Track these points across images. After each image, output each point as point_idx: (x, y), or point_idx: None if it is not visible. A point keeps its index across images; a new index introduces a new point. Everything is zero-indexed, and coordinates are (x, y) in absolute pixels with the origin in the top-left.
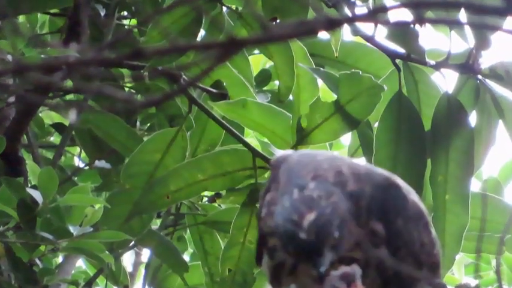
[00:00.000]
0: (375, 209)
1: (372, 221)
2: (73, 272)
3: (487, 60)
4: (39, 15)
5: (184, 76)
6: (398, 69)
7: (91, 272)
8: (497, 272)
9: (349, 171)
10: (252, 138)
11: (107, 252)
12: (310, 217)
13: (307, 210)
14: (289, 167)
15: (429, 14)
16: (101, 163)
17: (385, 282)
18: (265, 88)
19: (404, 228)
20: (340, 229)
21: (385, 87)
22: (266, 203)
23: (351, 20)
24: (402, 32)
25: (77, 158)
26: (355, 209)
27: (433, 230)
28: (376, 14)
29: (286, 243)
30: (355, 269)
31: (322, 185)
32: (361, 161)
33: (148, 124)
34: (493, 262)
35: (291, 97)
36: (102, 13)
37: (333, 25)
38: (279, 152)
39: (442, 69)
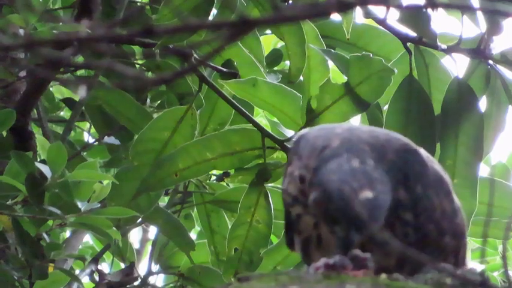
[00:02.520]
0: (398, 176)
1: (397, 190)
2: (80, 247)
3: (498, 45)
4: None
5: (195, 54)
6: (410, 53)
7: (98, 248)
8: (503, 258)
9: (375, 141)
10: (261, 117)
11: (114, 228)
12: (369, 194)
13: (367, 186)
14: (311, 139)
15: None
16: (110, 139)
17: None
18: (275, 68)
19: (424, 194)
20: (381, 219)
21: (396, 70)
22: (288, 175)
23: (363, 3)
24: (414, 16)
25: (87, 133)
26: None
27: (456, 199)
28: None
29: (336, 203)
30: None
31: (378, 167)
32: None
33: (158, 102)
34: (500, 247)
35: (301, 78)
36: None
37: (345, 7)
38: (290, 132)
39: (453, 54)
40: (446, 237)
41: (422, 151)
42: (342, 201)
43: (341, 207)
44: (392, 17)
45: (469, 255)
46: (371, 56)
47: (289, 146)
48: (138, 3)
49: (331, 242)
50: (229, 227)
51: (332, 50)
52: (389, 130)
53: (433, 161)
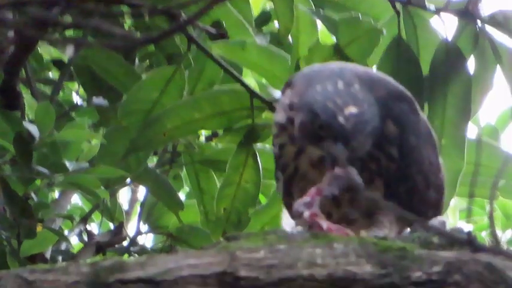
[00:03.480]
0: (387, 112)
1: (385, 123)
2: (68, 207)
3: (486, 6)
4: None
5: (183, 14)
6: (398, 14)
7: (86, 208)
8: (491, 217)
9: (367, 76)
10: (250, 78)
11: (102, 188)
12: (353, 110)
13: (352, 103)
14: (304, 73)
15: None
16: (98, 100)
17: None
18: (264, 29)
19: (416, 145)
20: (368, 136)
21: (384, 31)
22: (279, 105)
23: None
24: None
25: (75, 94)
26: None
27: (439, 155)
28: None
29: (321, 118)
30: (352, 173)
31: (363, 91)
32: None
33: (147, 62)
34: (487, 207)
35: (290, 39)
36: None
37: None
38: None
39: (442, 15)
40: (431, 190)
41: (415, 101)
42: (327, 116)
43: (326, 121)
44: None
45: (456, 214)
46: (360, 17)
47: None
48: None
49: (311, 177)
50: (218, 187)
51: (321, 11)
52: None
53: (422, 113)
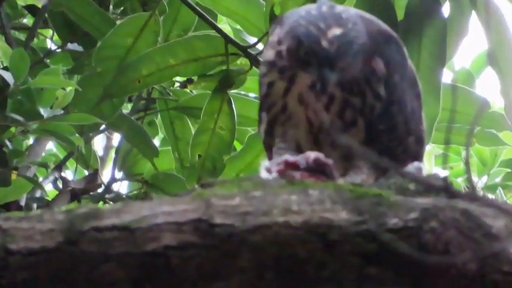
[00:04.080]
0: (378, 52)
1: (374, 59)
2: (43, 154)
3: None
4: None
5: None
6: None
7: (61, 155)
8: (467, 163)
9: (357, 14)
10: (225, 24)
11: (77, 135)
12: (337, 31)
13: (335, 24)
14: (293, 11)
15: None
16: (73, 46)
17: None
18: None
19: (400, 84)
20: (356, 55)
21: None
22: (268, 44)
23: None
24: None
25: (50, 40)
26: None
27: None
28: None
29: (304, 45)
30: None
31: (348, 12)
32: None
33: (122, 8)
34: (463, 153)
35: None
36: None
37: None
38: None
39: None
40: (411, 138)
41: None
42: (310, 41)
43: (310, 47)
44: None
45: (432, 161)
46: None
47: (252, 52)
48: None
49: (298, 118)
50: (193, 134)
51: None
52: None
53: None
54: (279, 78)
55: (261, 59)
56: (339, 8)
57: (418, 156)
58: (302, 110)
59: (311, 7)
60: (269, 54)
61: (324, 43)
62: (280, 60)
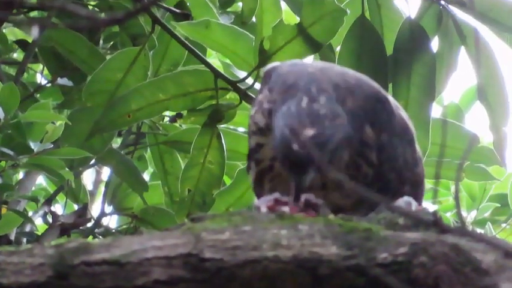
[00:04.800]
0: (365, 118)
1: (364, 129)
2: (33, 188)
3: None
4: None
5: None
6: None
7: (51, 189)
8: (456, 198)
9: (344, 83)
10: (214, 59)
11: (67, 169)
12: (310, 132)
13: (309, 124)
14: (283, 74)
15: None
16: (63, 80)
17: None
18: (228, 9)
19: (388, 143)
20: (332, 154)
21: (348, 11)
22: (257, 103)
23: None
24: None
25: (40, 74)
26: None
27: (417, 148)
28: None
29: (279, 147)
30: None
31: (330, 103)
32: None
33: (111, 42)
34: (452, 188)
35: (254, 19)
36: None
37: None
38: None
39: None
40: (406, 186)
41: (391, 99)
42: (284, 146)
43: (284, 152)
44: None
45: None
46: None
47: (241, 87)
48: None
49: (286, 177)
50: (182, 168)
51: None
52: (363, 75)
53: (400, 109)
54: (268, 143)
55: (250, 113)
56: (321, 100)
57: (416, 198)
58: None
59: (293, 100)
60: (259, 120)
61: (295, 146)
62: (268, 131)
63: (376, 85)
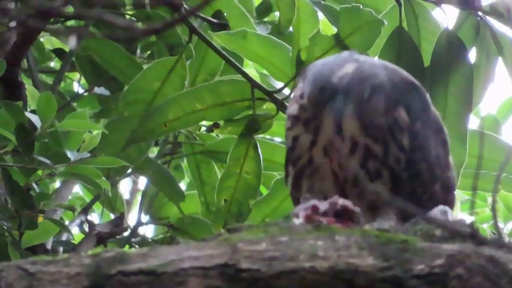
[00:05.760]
0: (401, 101)
1: (397, 108)
2: (70, 197)
3: None
4: None
5: (185, 5)
6: (399, 4)
7: (87, 198)
8: (493, 210)
9: (383, 64)
10: (251, 69)
11: (103, 178)
12: (349, 69)
13: (348, 63)
14: (320, 64)
15: None
16: (100, 90)
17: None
18: (265, 19)
19: (422, 132)
20: (372, 92)
21: (386, 22)
22: (292, 99)
23: None
24: None
25: (77, 83)
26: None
27: (451, 157)
28: None
29: (317, 84)
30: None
31: (368, 59)
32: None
33: (149, 52)
34: (489, 200)
35: (291, 29)
36: None
37: None
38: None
39: (443, 5)
40: (437, 185)
41: (428, 96)
42: (321, 80)
43: (321, 85)
44: None
45: (458, 207)
46: (361, 7)
47: (278, 97)
48: None
49: (324, 171)
50: (219, 178)
51: (322, 1)
52: None
53: (436, 111)
54: (304, 132)
55: (286, 112)
56: (362, 56)
57: (446, 204)
58: (327, 162)
59: (333, 56)
60: (293, 109)
61: (334, 79)
62: (303, 113)
63: (413, 77)
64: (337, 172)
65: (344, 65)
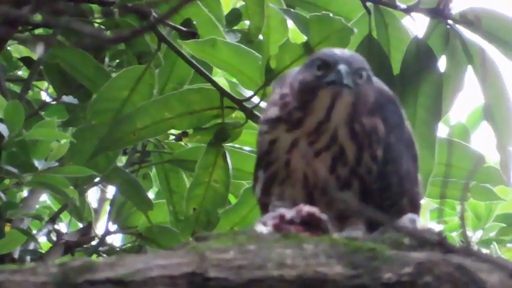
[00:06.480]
0: (378, 112)
1: (375, 117)
2: (37, 206)
3: (457, 5)
4: None
5: (154, 13)
6: (369, 12)
7: (55, 208)
8: (462, 218)
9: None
10: (220, 77)
11: (71, 187)
12: (347, 52)
13: (346, 51)
14: (291, 72)
15: None
16: (68, 98)
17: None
18: (235, 28)
19: (396, 145)
20: (367, 84)
21: (355, 30)
22: (267, 105)
23: None
24: None
25: (45, 92)
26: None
27: (418, 172)
28: None
29: (320, 57)
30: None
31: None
32: None
33: (117, 61)
34: (458, 208)
35: (261, 37)
36: None
37: None
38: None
39: (413, 14)
40: (405, 199)
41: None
42: (325, 54)
43: (325, 56)
44: None
45: (427, 215)
46: (331, 15)
47: (248, 105)
48: None
49: (298, 176)
50: (188, 187)
51: (292, 10)
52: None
53: (409, 125)
54: (285, 132)
55: (260, 117)
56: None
57: None
58: (302, 166)
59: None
60: (272, 111)
61: (338, 51)
62: (286, 113)
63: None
64: (310, 178)
65: (340, 59)
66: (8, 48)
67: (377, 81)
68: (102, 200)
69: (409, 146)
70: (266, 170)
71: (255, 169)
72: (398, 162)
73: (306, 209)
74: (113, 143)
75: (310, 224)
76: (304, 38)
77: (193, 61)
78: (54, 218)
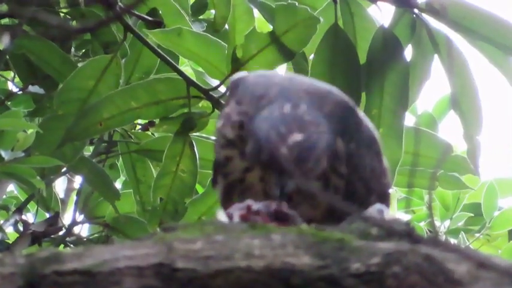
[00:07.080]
0: (336, 127)
1: (336, 140)
2: (4, 197)
3: None
4: None
5: (119, 3)
6: (335, 1)
7: (22, 198)
8: (429, 207)
9: (315, 91)
10: (186, 67)
11: (38, 177)
12: (298, 137)
13: (297, 129)
14: (251, 85)
15: None
16: (34, 88)
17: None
18: (201, 17)
19: (356, 152)
20: (316, 162)
21: (321, 19)
22: (224, 116)
23: None
24: None
25: (11, 82)
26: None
27: (384, 160)
28: None
29: (264, 150)
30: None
31: (311, 110)
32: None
33: (83, 50)
34: (426, 197)
35: (226, 27)
36: None
37: None
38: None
39: (379, 2)
40: (372, 197)
41: (359, 110)
42: (269, 149)
43: (269, 154)
44: None
45: (395, 205)
46: (297, 4)
47: (214, 95)
48: None
49: (257, 189)
50: (155, 177)
51: None
52: (329, 84)
53: (367, 120)
54: (239, 158)
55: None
56: (302, 107)
57: None
58: (262, 185)
59: (273, 105)
60: (228, 132)
61: (284, 150)
62: (241, 143)
63: (343, 95)
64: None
65: (292, 131)
66: None
67: (326, 91)
68: (69, 190)
69: (370, 144)
70: (225, 178)
71: (214, 170)
72: (361, 166)
73: (274, 205)
74: (79, 133)
75: (277, 218)
76: (270, 27)
77: (160, 51)
78: (21, 208)
